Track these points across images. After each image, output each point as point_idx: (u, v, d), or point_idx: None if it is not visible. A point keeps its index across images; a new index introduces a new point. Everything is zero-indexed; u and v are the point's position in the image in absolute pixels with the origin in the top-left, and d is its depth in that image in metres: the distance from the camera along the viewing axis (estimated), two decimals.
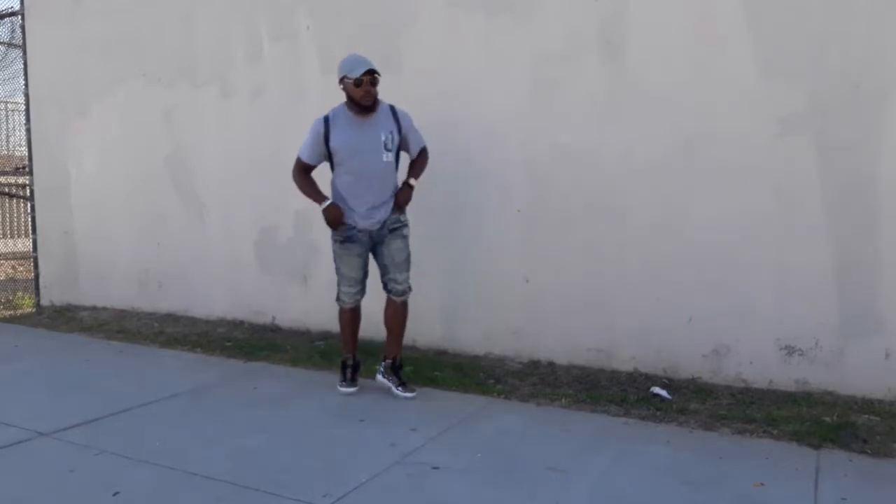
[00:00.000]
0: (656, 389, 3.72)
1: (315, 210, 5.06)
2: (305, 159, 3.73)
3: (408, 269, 3.72)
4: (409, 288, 3.74)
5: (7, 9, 6.98)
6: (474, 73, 4.34)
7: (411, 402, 3.68)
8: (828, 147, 3.54)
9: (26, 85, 6.55)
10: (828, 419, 3.27)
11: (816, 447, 3.02)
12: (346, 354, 3.90)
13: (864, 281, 3.52)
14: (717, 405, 3.53)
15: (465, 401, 3.68)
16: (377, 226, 3.64)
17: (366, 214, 3.61)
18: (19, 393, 3.96)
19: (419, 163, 3.79)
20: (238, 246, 5.46)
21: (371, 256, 3.76)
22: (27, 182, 6.89)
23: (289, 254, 5.22)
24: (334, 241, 3.71)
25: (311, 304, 5.13)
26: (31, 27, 6.51)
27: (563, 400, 3.67)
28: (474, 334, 4.46)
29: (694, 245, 3.84)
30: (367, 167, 3.58)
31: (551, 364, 4.23)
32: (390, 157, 3.64)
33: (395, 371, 3.79)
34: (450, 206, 4.42)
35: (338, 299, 3.82)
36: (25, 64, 6.55)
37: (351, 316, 3.85)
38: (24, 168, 7.37)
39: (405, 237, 3.70)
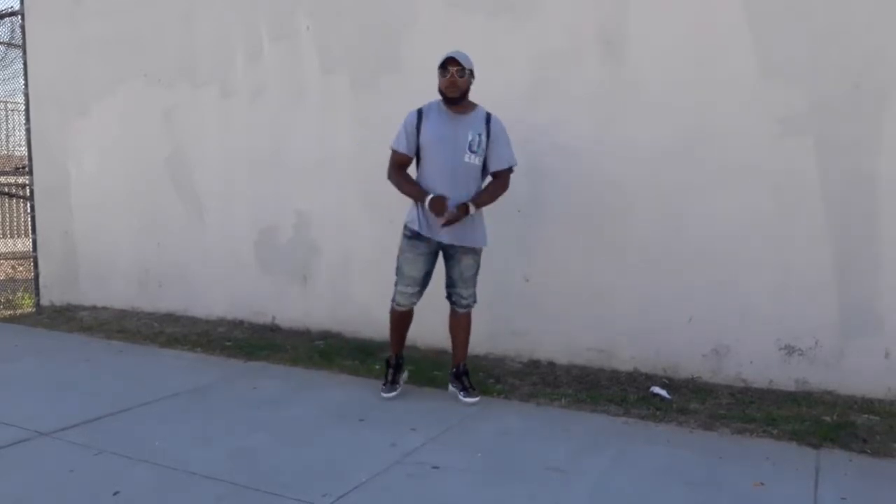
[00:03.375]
0: (656, 389, 3.72)
1: (315, 210, 5.09)
2: (401, 149, 3.57)
3: (475, 285, 3.66)
4: (475, 301, 3.69)
5: (7, 9, 6.99)
6: (474, 73, 4.33)
7: (411, 401, 3.68)
8: (828, 147, 3.54)
9: (26, 85, 6.55)
10: (828, 419, 3.27)
11: (816, 447, 3.02)
12: (391, 353, 3.83)
13: (864, 281, 3.52)
14: (716, 405, 3.53)
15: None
16: (452, 241, 3.51)
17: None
18: (19, 393, 3.95)
19: (493, 187, 3.60)
20: (238, 246, 5.46)
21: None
22: (27, 182, 6.89)
23: (289, 254, 5.22)
24: (403, 235, 3.58)
25: (311, 303, 5.13)
26: (31, 27, 6.51)
27: (563, 400, 3.67)
28: (474, 334, 4.43)
29: (694, 245, 3.84)
30: (448, 162, 3.46)
31: (551, 364, 4.23)
32: (474, 159, 3.49)
33: (460, 377, 3.72)
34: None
35: (392, 300, 3.68)
36: (25, 64, 6.55)
37: (401, 317, 3.71)
38: (23, 168, 7.37)
39: (477, 254, 3.61)
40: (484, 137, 3.52)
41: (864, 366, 3.52)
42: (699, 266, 3.84)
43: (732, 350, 3.80)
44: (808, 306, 3.62)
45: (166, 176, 5.79)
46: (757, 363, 3.74)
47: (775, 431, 3.18)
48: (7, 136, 9.13)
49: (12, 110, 8.92)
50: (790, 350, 3.68)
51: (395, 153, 3.61)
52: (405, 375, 3.85)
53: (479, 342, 4.42)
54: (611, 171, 4.02)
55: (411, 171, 3.67)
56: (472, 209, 3.45)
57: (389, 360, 3.82)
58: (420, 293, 3.65)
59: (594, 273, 4.10)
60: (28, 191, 6.84)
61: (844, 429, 3.15)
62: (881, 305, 3.50)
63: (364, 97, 4.73)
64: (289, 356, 4.56)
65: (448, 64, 3.43)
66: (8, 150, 9.10)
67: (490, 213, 4.33)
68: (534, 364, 4.25)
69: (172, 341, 5.07)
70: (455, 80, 3.43)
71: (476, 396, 3.65)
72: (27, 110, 6.58)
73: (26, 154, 6.80)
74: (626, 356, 4.06)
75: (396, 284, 3.64)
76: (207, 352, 4.79)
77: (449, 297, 3.67)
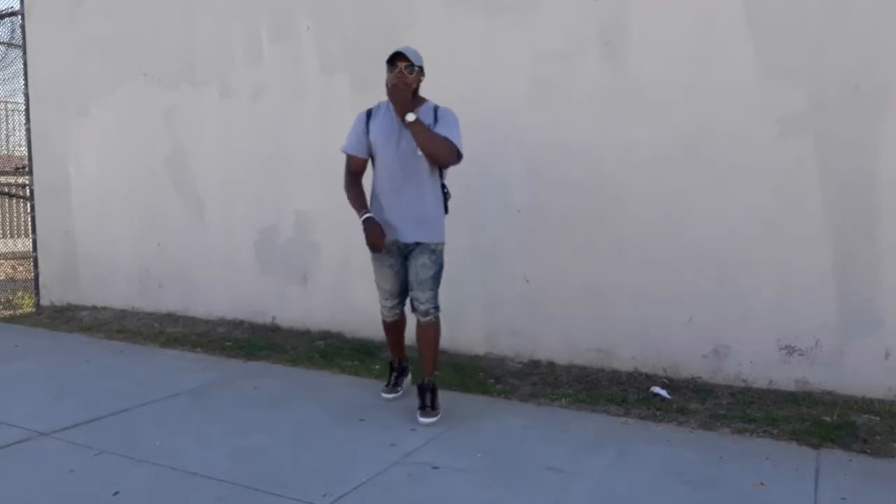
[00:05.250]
0: (656, 389, 3.72)
1: (315, 210, 5.09)
2: (348, 150, 3.48)
3: (433, 288, 3.39)
4: (435, 308, 3.40)
5: (7, 9, 6.99)
6: (474, 73, 4.34)
7: (411, 402, 3.64)
8: (828, 147, 3.54)
9: (26, 85, 6.55)
10: (828, 419, 3.27)
11: (816, 447, 3.02)
12: (392, 357, 3.80)
13: (864, 281, 3.52)
14: (716, 405, 3.53)
15: (465, 401, 3.68)
16: (407, 238, 3.38)
17: (399, 220, 3.36)
18: (19, 393, 3.95)
19: (441, 137, 3.24)
20: (238, 246, 5.46)
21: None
22: (27, 182, 6.90)
23: (289, 254, 5.22)
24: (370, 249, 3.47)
25: (311, 303, 5.14)
26: (32, 27, 6.51)
27: (563, 400, 3.67)
28: (474, 334, 4.46)
29: (694, 245, 3.84)
30: (397, 160, 3.32)
31: (551, 364, 4.23)
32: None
33: (423, 393, 3.44)
34: (449, 205, 4.41)
35: (380, 311, 3.64)
36: (25, 64, 6.55)
37: (390, 327, 3.68)
38: (24, 168, 7.38)
39: (433, 252, 3.37)
40: (432, 127, 3.31)
41: (864, 366, 3.52)
42: (699, 266, 3.84)
43: (732, 350, 3.80)
44: (808, 306, 3.62)
45: (166, 176, 5.79)
46: (757, 363, 3.74)
47: (775, 431, 3.18)
48: (7, 137, 9.14)
49: (12, 110, 8.92)
50: (790, 350, 3.68)
51: (346, 157, 3.51)
52: (408, 380, 3.82)
53: (479, 342, 4.44)
54: (610, 170, 4.02)
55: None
56: (411, 116, 3.19)
57: (392, 364, 3.80)
58: (401, 304, 3.57)
59: (594, 273, 4.10)
60: (28, 191, 6.85)
61: (844, 429, 3.15)
62: (881, 305, 3.50)
63: (364, 97, 4.70)
64: (289, 356, 4.56)
65: (396, 60, 3.27)
66: (8, 151, 9.11)
67: (490, 213, 4.35)
68: (534, 364, 4.25)
69: (173, 341, 5.07)
70: (404, 77, 3.26)
71: (433, 417, 3.37)
72: (27, 110, 6.59)
73: (26, 154, 6.81)
74: (627, 356, 4.06)
75: (379, 297, 3.60)
76: (208, 352, 4.79)
77: (411, 303, 3.46)
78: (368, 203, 3.45)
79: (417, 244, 3.38)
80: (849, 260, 3.54)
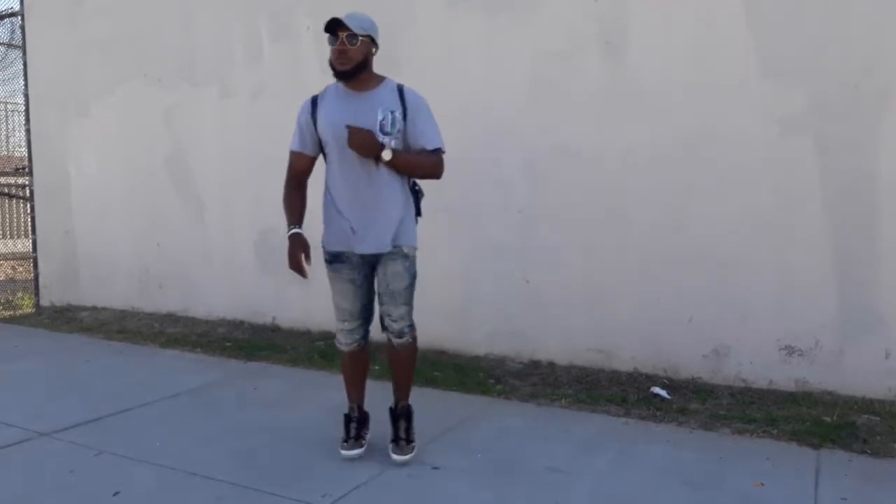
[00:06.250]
0: (656, 389, 3.72)
1: (315, 210, 5.07)
2: (293, 147, 2.93)
3: (408, 302, 2.85)
4: (410, 327, 2.89)
5: (7, 9, 6.99)
6: (474, 73, 4.34)
7: (410, 402, 3.64)
8: (828, 147, 3.54)
9: (26, 85, 6.55)
10: (828, 419, 3.27)
11: (816, 447, 3.02)
12: (349, 404, 3.05)
13: (864, 281, 3.52)
14: (717, 405, 3.53)
15: (465, 401, 3.68)
16: (372, 250, 2.80)
17: (358, 226, 2.78)
18: (19, 393, 3.96)
19: (424, 157, 2.80)
20: (238, 246, 5.46)
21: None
22: (27, 182, 6.90)
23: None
24: (325, 261, 2.91)
25: (311, 304, 5.12)
26: (31, 27, 6.51)
27: (564, 400, 3.67)
28: (474, 334, 4.46)
29: (694, 245, 3.84)
30: (355, 155, 2.71)
31: (551, 364, 4.23)
32: (390, 142, 2.70)
33: (394, 421, 2.98)
34: (450, 206, 4.42)
35: (336, 340, 3.01)
36: (25, 64, 6.56)
37: (351, 358, 2.99)
38: (24, 168, 7.38)
39: (407, 258, 2.82)
40: (399, 114, 2.74)
41: (865, 366, 3.52)
42: (699, 266, 3.83)
43: (733, 350, 3.80)
44: (808, 306, 3.62)
45: (166, 176, 5.79)
46: (757, 363, 3.74)
47: (775, 432, 3.18)
48: (7, 137, 9.13)
49: (12, 111, 8.92)
50: (790, 350, 3.68)
51: (290, 155, 2.93)
52: (368, 437, 3.06)
53: (479, 342, 4.43)
54: (610, 170, 4.02)
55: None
56: (387, 154, 2.67)
57: (350, 414, 3.02)
58: (363, 327, 2.94)
59: (594, 273, 4.10)
60: (28, 191, 6.85)
61: (844, 429, 3.15)
62: (881, 305, 3.49)
63: None
64: (289, 356, 4.56)
65: (335, 28, 2.65)
66: (8, 151, 9.11)
67: (490, 214, 4.35)
68: (534, 364, 4.25)
69: (173, 342, 5.07)
70: (345, 48, 2.65)
71: (407, 454, 2.88)
72: (27, 111, 6.59)
73: (26, 155, 6.81)
74: (627, 356, 4.05)
75: (336, 322, 2.96)
76: (208, 352, 4.79)
77: (381, 321, 2.90)
78: (323, 207, 2.90)
79: (388, 251, 2.82)
80: (849, 260, 3.54)
